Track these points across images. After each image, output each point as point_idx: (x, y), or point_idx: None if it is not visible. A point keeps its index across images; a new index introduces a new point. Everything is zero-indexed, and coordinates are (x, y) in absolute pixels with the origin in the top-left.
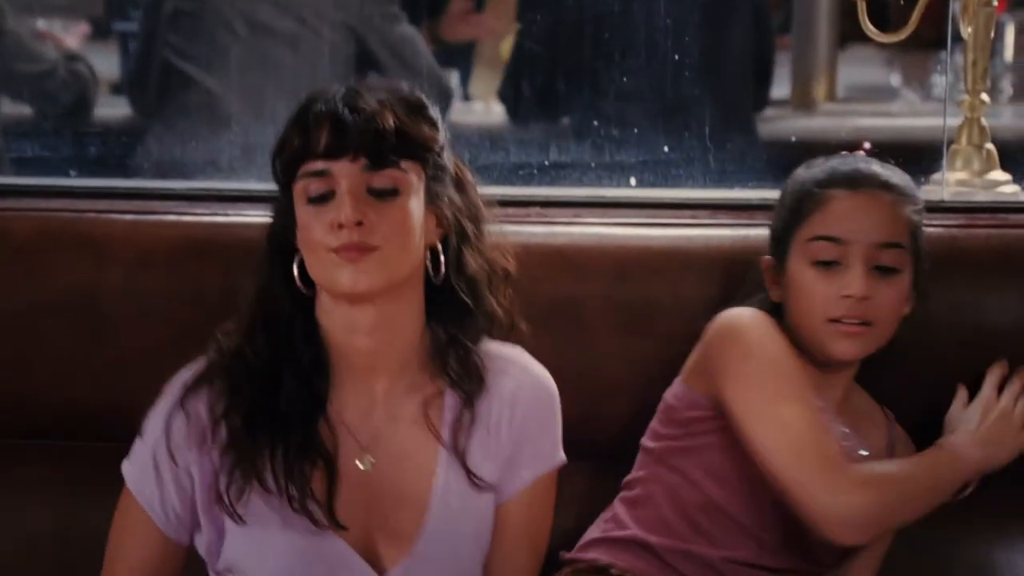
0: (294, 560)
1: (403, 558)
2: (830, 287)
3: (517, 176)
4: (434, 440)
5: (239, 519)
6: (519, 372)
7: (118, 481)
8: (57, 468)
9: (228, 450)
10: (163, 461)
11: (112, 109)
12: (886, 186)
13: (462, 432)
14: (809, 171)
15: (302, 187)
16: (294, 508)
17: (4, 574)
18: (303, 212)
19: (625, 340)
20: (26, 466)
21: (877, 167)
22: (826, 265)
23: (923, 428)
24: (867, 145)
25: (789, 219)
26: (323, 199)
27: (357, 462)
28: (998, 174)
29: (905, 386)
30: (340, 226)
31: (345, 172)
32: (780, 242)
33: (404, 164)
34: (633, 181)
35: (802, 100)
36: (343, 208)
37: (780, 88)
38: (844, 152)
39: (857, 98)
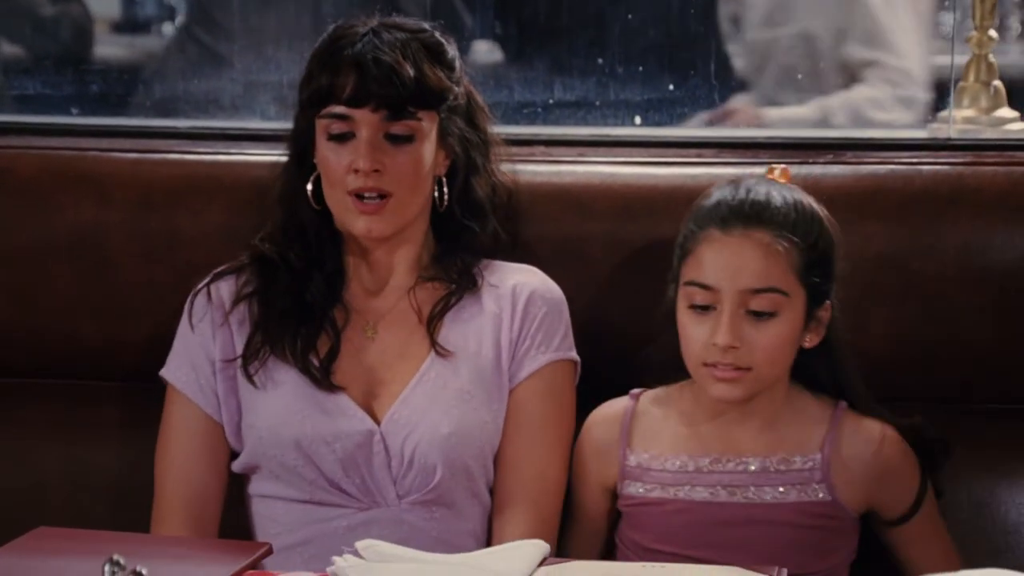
0: (297, 405)
1: (393, 404)
2: (703, 332)
3: None
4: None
5: (251, 381)
6: (526, 274)
7: (124, 420)
8: (62, 407)
9: (250, 323)
10: (188, 338)
11: (113, 48)
12: (766, 223)
13: (439, 310)
14: (700, 202)
15: (324, 125)
16: (298, 367)
17: (13, 512)
18: (323, 145)
19: (630, 280)
20: (32, 405)
21: (764, 197)
22: (700, 309)
23: (930, 369)
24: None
25: (678, 254)
26: (343, 138)
27: (364, 332)
28: (1006, 111)
29: (912, 325)
30: (358, 171)
31: (365, 120)
32: (675, 276)
33: (421, 114)
34: (638, 120)
35: None
36: (361, 155)
37: None
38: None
39: None
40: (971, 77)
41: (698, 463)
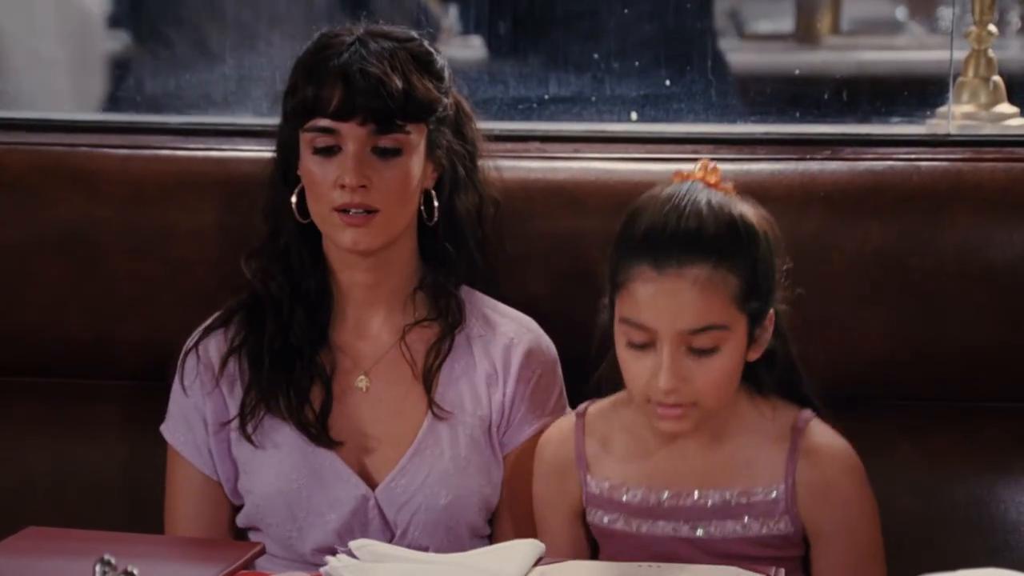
0: (292, 471)
1: (391, 471)
2: (643, 369)
3: None
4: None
5: (250, 442)
6: (517, 327)
7: (114, 419)
8: (52, 405)
9: (241, 381)
10: (182, 400)
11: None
12: (702, 256)
13: (433, 362)
14: (629, 223)
15: (309, 138)
16: (294, 423)
17: (1, 511)
18: (308, 158)
19: None
20: (21, 404)
21: (697, 223)
22: (639, 347)
23: (928, 367)
24: (713, 177)
25: (609, 285)
26: (328, 151)
27: (356, 382)
28: (1005, 107)
29: (911, 323)
30: (343, 186)
31: (352, 134)
32: (609, 304)
33: (409, 127)
34: (634, 115)
35: (805, 33)
36: (347, 171)
37: (783, 21)
38: (681, 184)
39: (862, 31)
40: (970, 72)
41: (659, 496)
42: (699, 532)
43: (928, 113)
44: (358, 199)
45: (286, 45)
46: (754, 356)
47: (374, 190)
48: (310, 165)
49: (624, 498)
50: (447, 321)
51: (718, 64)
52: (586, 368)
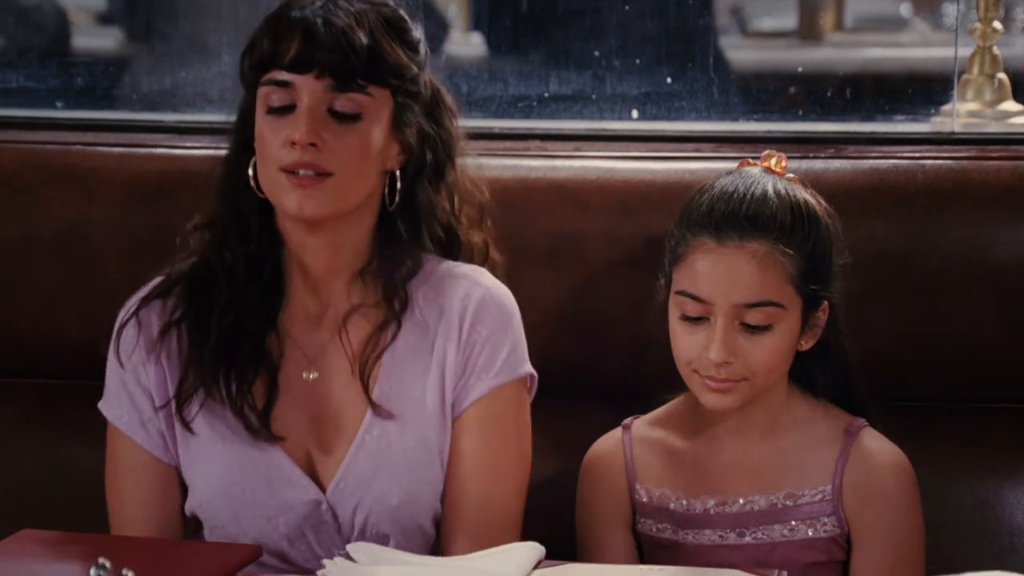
0: (235, 470)
1: (337, 471)
2: (695, 342)
3: None
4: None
5: (187, 427)
6: (468, 286)
7: (104, 421)
8: (46, 407)
9: (180, 356)
10: (123, 376)
11: (98, 39)
12: (763, 232)
13: (370, 353)
14: (693, 202)
15: (264, 94)
16: (233, 412)
17: None
18: (261, 120)
19: (627, 276)
20: (13, 404)
21: (761, 202)
22: (693, 320)
23: (934, 368)
24: (773, 161)
25: (668, 257)
26: (283, 111)
27: (304, 373)
28: (1010, 105)
29: (915, 323)
30: (293, 143)
31: (308, 88)
32: (666, 278)
33: (372, 89)
34: (635, 114)
35: (808, 30)
36: (298, 126)
37: (786, 18)
38: (746, 170)
39: (865, 28)
40: (975, 70)
41: (704, 504)
42: (747, 538)
43: (932, 111)
44: (308, 158)
45: None
46: (807, 345)
47: (327, 151)
48: (262, 125)
49: (671, 506)
50: (389, 309)
51: (720, 61)
52: (593, 368)
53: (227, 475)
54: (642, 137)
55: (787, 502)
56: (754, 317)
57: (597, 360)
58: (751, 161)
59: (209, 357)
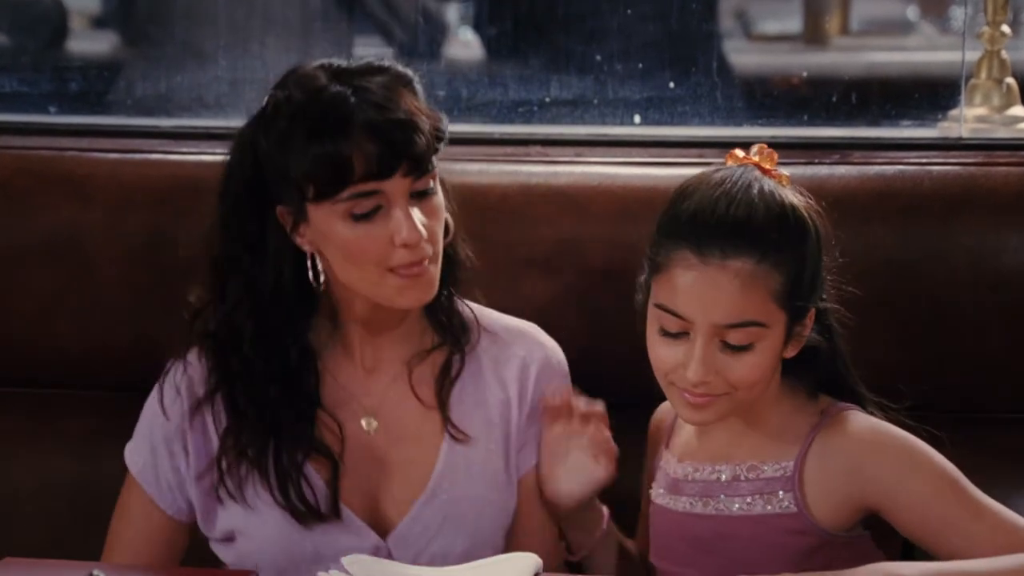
0: (295, 533)
1: (404, 518)
2: (673, 354)
3: None
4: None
5: (232, 497)
6: (530, 344)
7: (103, 430)
8: (39, 417)
9: (227, 434)
10: (158, 432)
11: (93, 43)
12: (747, 247)
13: (444, 382)
14: (674, 208)
15: (344, 208)
16: (292, 506)
17: None
18: (344, 228)
19: (629, 283)
20: (7, 415)
21: (746, 212)
22: (671, 335)
23: (940, 377)
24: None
25: (648, 265)
26: (371, 214)
27: (363, 423)
28: (1019, 110)
29: (922, 332)
30: (405, 246)
31: (397, 189)
32: (645, 286)
33: (434, 159)
34: (638, 119)
35: (814, 34)
36: (407, 229)
37: (790, 22)
38: (733, 164)
39: (872, 31)
40: (983, 74)
41: (684, 469)
42: (710, 508)
43: (940, 116)
44: (419, 254)
45: (279, 46)
46: (790, 353)
47: (430, 236)
48: (348, 234)
49: (667, 470)
50: (455, 342)
51: (724, 66)
52: (594, 376)
53: (285, 530)
54: (644, 142)
55: (749, 475)
56: (735, 337)
57: (598, 368)
58: (739, 154)
59: (251, 429)
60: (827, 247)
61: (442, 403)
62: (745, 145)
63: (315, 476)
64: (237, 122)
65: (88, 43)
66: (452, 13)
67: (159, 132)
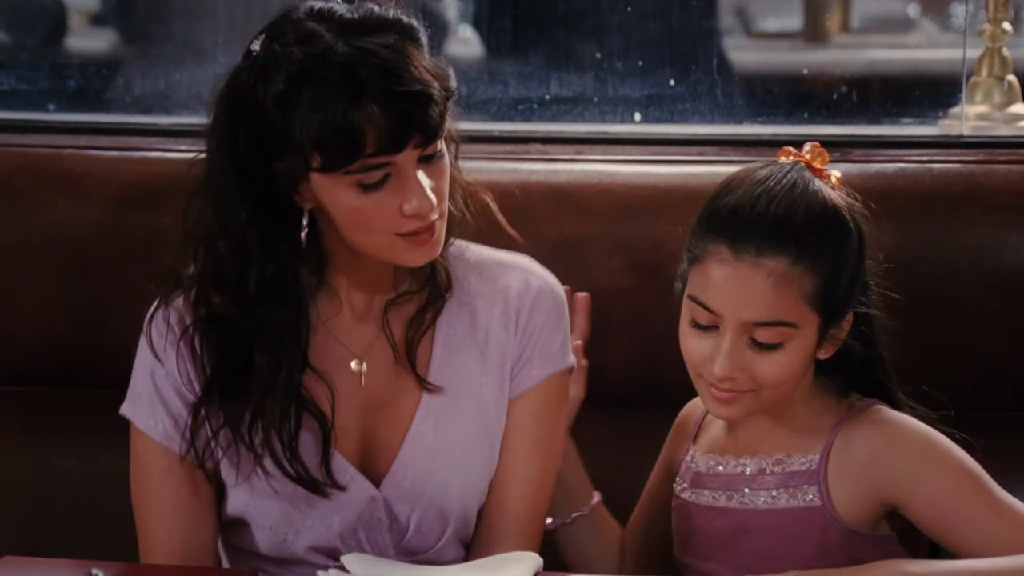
0: (289, 485)
1: (393, 464)
2: (703, 346)
3: None
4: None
5: (232, 477)
6: (524, 275)
7: (102, 428)
8: (37, 415)
9: (207, 405)
10: (159, 373)
11: (91, 41)
12: (782, 248)
13: (415, 334)
14: (716, 200)
15: (354, 179)
16: (287, 475)
17: None
18: (353, 197)
19: (629, 281)
20: (4, 413)
21: (786, 211)
22: (702, 328)
23: (942, 375)
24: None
25: (688, 254)
26: (380, 184)
27: (352, 365)
28: (1020, 107)
29: (923, 330)
30: (414, 215)
31: (408, 159)
32: (683, 275)
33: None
34: (638, 116)
35: (814, 31)
36: (418, 198)
37: (791, 19)
38: (783, 160)
39: (872, 29)
40: (984, 72)
41: (708, 463)
42: (733, 502)
43: (941, 114)
44: (429, 220)
45: None
46: (825, 355)
47: (437, 202)
48: (355, 203)
49: (692, 465)
50: (431, 289)
51: (724, 63)
52: (595, 373)
53: (281, 485)
54: (645, 140)
55: (775, 468)
56: (764, 335)
57: (599, 368)
58: (792, 151)
59: (233, 411)
60: (870, 253)
61: (410, 357)
62: (745, 143)
63: (308, 435)
64: None
65: (87, 40)
66: (452, 10)
67: (158, 130)
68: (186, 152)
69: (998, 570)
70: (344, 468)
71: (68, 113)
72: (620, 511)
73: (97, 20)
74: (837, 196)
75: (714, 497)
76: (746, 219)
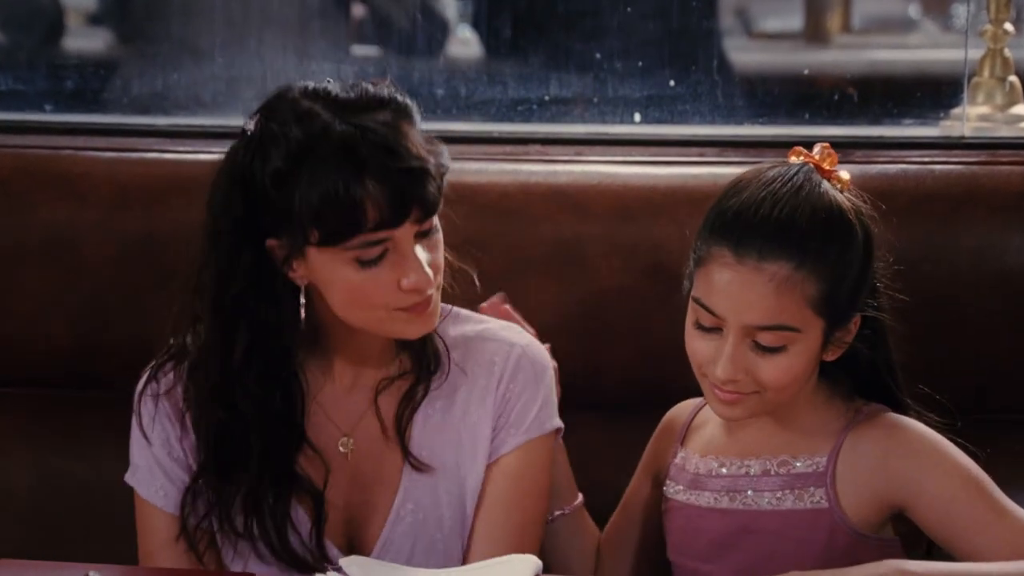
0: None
1: (381, 534)
2: (706, 348)
3: None
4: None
5: (229, 555)
6: (502, 347)
7: (98, 429)
8: (35, 417)
9: (197, 489)
10: (154, 450)
11: (88, 41)
12: (785, 252)
13: (405, 410)
14: (721, 202)
15: (351, 255)
16: (277, 556)
17: None
18: (350, 273)
19: (629, 283)
20: (2, 415)
21: (789, 215)
22: (705, 329)
23: (943, 378)
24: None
25: (694, 255)
26: (378, 259)
27: (339, 446)
28: (1022, 108)
29: (924, 332)
30: (412, 290)
31: (406, 234)
32: (690, 275)
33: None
34: (638, 117)
35: (815, 32)
36: (417, 273)
37: (791, 19)
38: (794, 159)
39: (873, 29)
40: (986, 72)
41: (709, 465)
42: (736, 503)
43: (942, 115)
44: (426, 295)
45: (277, 44)
46: (831, 357)
47: (433, 274)
48: (353, 279)
49: (687, 466)
50: (423, 369)
51: (724, 64)
52: (593, 377)
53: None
54: (644, 141)
55: (780, 470)
56: (766, 339)
57: (598, 370)
58: (803, 151)
59: (226, 497)
60: (878, 256)
61: (401, 435)
62: (745, 144)
63: (301, 518)
64: (234, 121)
65: (84, 41)
66: (451, 11)
67: (155, 131)
68: (183, 153)
69: (997, 573)
70: (329, 548)
71: (65, 114)
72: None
73: (94, 20)
74: (844, 199)
75: (715, 498)
76: (749, 223)
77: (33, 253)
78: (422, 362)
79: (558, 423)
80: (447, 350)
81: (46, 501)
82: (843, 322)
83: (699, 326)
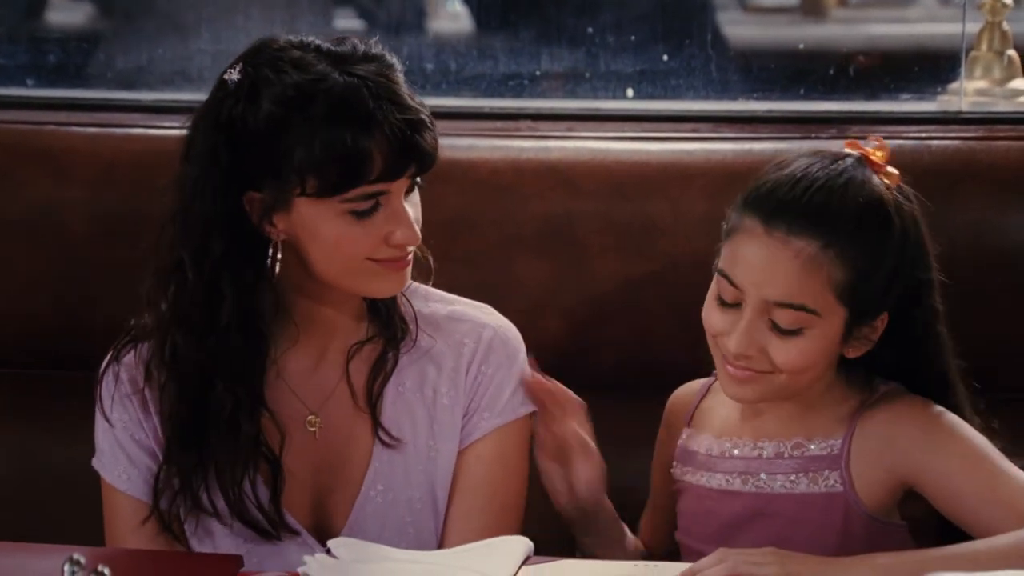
0: (239, 537)
1: (351, 515)
2: (724, 321)
3: None
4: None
5: (182, 535)
6: (473, 327)
7: (82, 410)
8: (18, 398)
9: (167, 467)
10: (116, 433)
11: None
12: (815, 231)
13: (377, 381)
14: (762, 177)
15: (345, 207)
16: (242, 520)
17: None
18: (338, 224)
19: (622, 260)
20: None
21: (825, 196)
22: (727, 304)
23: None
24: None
25: (726, 227)
26: (370, 212)
27: (307, 425)
28: (1020, 83)
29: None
30: (399, 244)
31: (399, 187)
32: (720, 245)
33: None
34: (630, 92)
35: (811, 5)
36: (405, 227)
37: None
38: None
39: (871, 3)
40: (984, 46)
41: (722, 446)
42: (748, 486)
43: (939, 89)
44: (409, 248)
45: (261, 17)
46: (853, 354)
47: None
48: (341, 230)
49: (699, 448)
50: (391, 336)
51: (718, 38)
52: (584, 355)
53: (239, 527)
54: (637, 117)
55: (794, 452)
56: (783, 318)
57: (590, 349)
58: (858, 143)
59: (185, 462)
60: (921, 257)
61: (372, 405)
62: (740, 120)
63: (261, 487)
64: None
65: (66, 14)
66: None
67: (139, 106)
68: (169, 129)
69: (976, 552)
70: (297, 529)
71: (48, 89)
72: (617, 493)
73: None
74: (886, 192)
75: (728, 480)
76: (784, 197)
77: (16, 230)
78: (390, 328)
79: (530, 407)
80: (415, 317)
81: (28, 484)
82: (867, 317)
83: (720, 300)
